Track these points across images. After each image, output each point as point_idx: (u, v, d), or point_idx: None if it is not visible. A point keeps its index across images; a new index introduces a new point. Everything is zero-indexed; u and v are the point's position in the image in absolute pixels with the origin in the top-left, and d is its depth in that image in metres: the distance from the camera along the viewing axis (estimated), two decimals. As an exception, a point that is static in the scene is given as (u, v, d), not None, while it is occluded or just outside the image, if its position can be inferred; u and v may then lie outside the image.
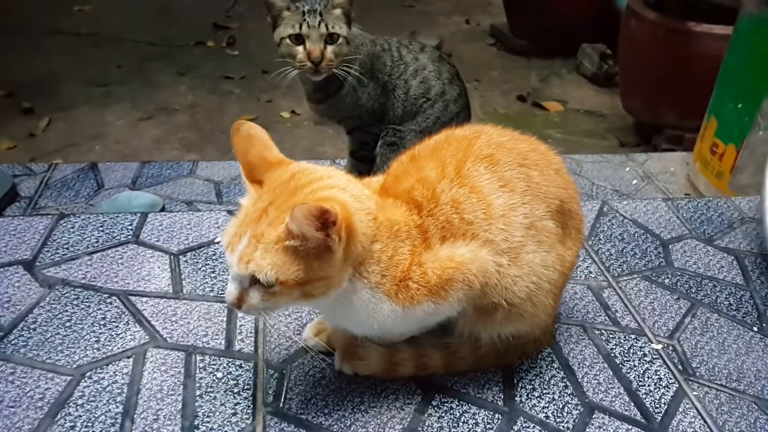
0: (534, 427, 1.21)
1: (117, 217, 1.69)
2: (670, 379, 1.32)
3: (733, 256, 1.69)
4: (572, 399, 1.27)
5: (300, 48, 1.91)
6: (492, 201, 1.12)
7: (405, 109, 2.14)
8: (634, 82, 3.52)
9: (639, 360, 1.36)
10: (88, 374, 1.26)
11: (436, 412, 1.22)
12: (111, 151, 3.37)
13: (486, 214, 1.11)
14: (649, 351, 1.39)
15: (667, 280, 1.59)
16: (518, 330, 1.23)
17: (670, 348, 1.40)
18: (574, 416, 1.23)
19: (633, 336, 1.42)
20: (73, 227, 1.65)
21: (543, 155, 1.23)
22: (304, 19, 1.89)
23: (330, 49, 1.91)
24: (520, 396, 1.26)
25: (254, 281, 1.01)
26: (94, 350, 1.31)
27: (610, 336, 1.42)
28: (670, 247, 1.71)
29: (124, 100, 3.90)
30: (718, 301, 1.54)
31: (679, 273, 1.62)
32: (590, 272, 1.60)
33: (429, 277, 1.08)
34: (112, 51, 4.56)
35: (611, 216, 1.83)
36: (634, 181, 2.54)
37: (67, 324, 1.37)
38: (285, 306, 1.08)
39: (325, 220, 0.94)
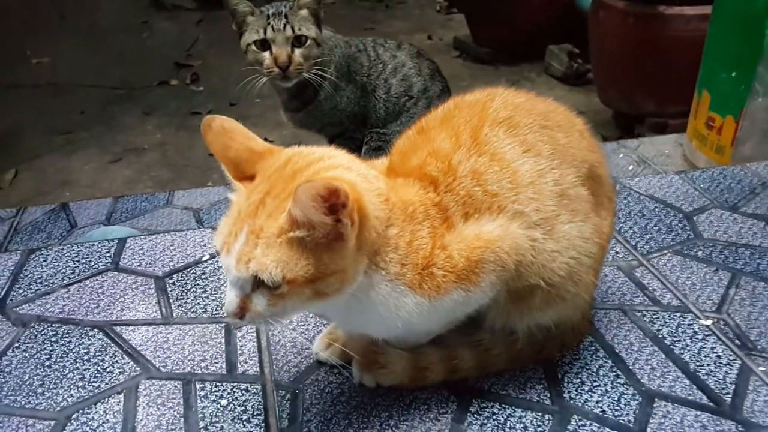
0: (591, 424, 1.05)
1: (93, 245, 1.53)
2: (730, 355, 1.18)
3: (764, 221, 1.56)
4: (627, 389, 1.12)
5: (266, 54, 1.80)
6: (517, 168, 0.98)
7: (387, 110, 2.03)
8: (609, 74, 3.44)
9: (690, 339, 1.23)
10: (74, 416, 1.09)
11: (476, 419, 1.07)
12: (81, 196, 3.19)
13: (512, 182, 0.98)
14: (699, 328, 1.25)
15: (700, 253, 1.46)
16: (559, 315, 1.09)
17: (722, 323, 1.26)
18: (633, 407, 1.08)
19: (678, 314, 1.29)
20: (45, 260, 1.49)
21: (564, 116, 1.10)
22: (269, 23, 1.78)
23: (298, 52, 1.80)
24: (569, 392, 1.12)
25: (257, 284, 0.86)
26: (79, 389, 1.14)
27: (654, 316, 1.28)
28: (694, 218, 1.59)
29: (91, 145, 3.74)
30: (761, 268, 1.40)
31: (711, 244, 1.49)
32: (617, 252, 1.47)
33: (455, 260, 0.94)
34: (73, 99, 4.40)
35: (626, 194, 1.71)
36: (631, 167, 2.44)
37: (47, 363, 1.20)
38: (295, 310, 0.93)
39: (334, 202, 0.80)
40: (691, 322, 1.26)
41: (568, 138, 1.06)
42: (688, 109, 2.53)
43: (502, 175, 0.97)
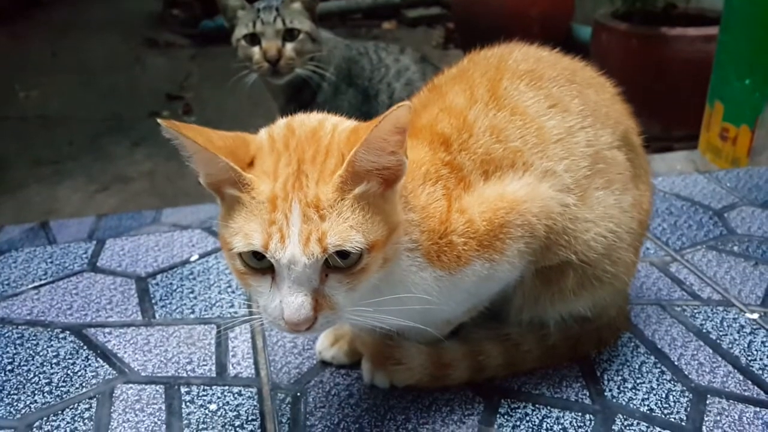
0: (638, 423, 0.92)
1: (68, 246, 1.40)
2: (786, 348, 1.05)
3: (799, 217, 1.45)
4: (675, 385, 0.98)
5: (255, 48, 1.68)
6: (542, 124, 0.87)
7: None
8: (612, 98, 3.38)
9: (738, 333, 1.09)
10: (36, 424, 0.94)
11: (507, 421, 0.92)
12: (62, 223, 3.06)
13: (538, 138, 0.86)
14: (745, 322, 1.12)
15: (735, 248, 1.34)
16: (595, 302, 0.95)
17: (770, 316, 1.14)
18: (684, 404, 0.94)
19: (720, 308, 1.16)
20: (15, 262, 1.35)
21: (594, 75, 1.00)
22: (258, 16, 1.67)
23: (289, 46, 1.68)
24: (610, 390, 0.98)
25: (327, 269, 0.70)
26: (45, 394, 0.99)
27: (695, 311, 1.15)
28: (725, 215, 1.47)
29: (77, 175, 3.61)
30: (804, 262, 1.29)
31: (746, 239, 1.37)
32: (647, 248, 1.34)
33: (476, 225, 0.81)
34: (61, 130, 4.29)
35: (649, 192, 1.59)
36: (642, 183, 2.33)
37: (8, 367, 1.05)
38: (364, 291, 0.75)
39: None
40: (736, 316, 1.13)
41: (600, 96, 0.95)
42: (694, 132, 2.45)
43: (526, 131, 0.86)
